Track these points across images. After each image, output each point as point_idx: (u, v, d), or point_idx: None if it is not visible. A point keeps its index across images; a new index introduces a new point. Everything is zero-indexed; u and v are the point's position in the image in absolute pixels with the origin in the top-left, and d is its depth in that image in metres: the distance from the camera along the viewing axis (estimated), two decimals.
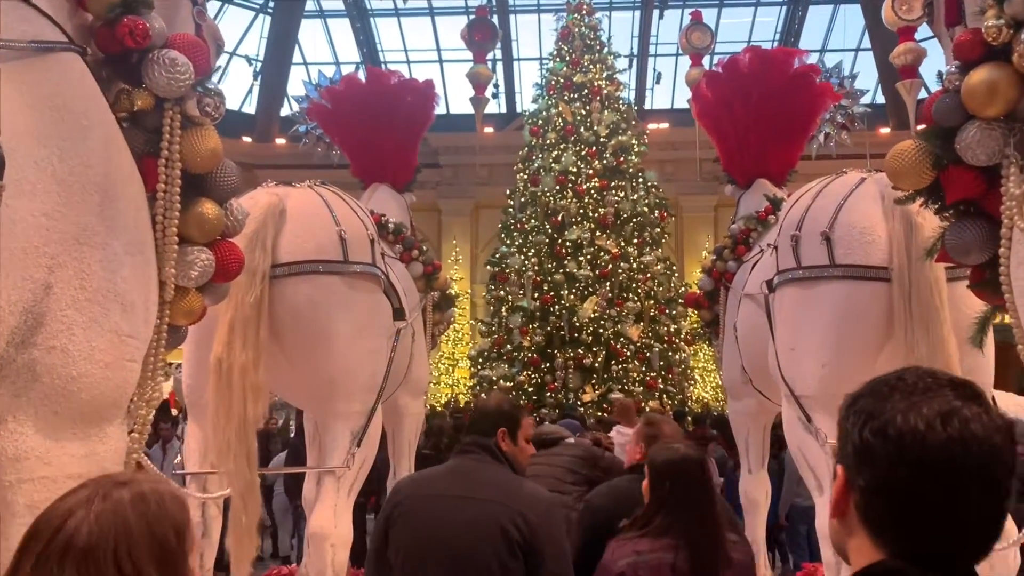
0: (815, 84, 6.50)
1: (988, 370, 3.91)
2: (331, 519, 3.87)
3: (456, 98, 22.18)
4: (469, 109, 15.74)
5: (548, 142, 16.16)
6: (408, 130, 6.77)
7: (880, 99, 21.73)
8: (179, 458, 4.24)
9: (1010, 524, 3.63)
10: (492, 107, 21.17)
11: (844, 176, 4.16)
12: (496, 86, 22.21)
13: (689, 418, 13.41)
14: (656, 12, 21.94)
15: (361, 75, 7.07)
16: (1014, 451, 1.11)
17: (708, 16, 16.38)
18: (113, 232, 2.04)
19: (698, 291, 6.54)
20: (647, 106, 22.74)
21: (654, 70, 22.69)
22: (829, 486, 3.76)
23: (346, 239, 4.11)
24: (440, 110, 23.83)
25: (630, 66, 21.35)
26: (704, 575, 2.74)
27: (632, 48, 22.59)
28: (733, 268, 5.99)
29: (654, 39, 22.83)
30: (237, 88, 23.44)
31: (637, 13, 22.52)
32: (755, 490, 5.83)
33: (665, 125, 20.82)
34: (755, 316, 4.97)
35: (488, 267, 16.36)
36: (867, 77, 20.86)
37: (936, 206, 2.45)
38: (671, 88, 22.85)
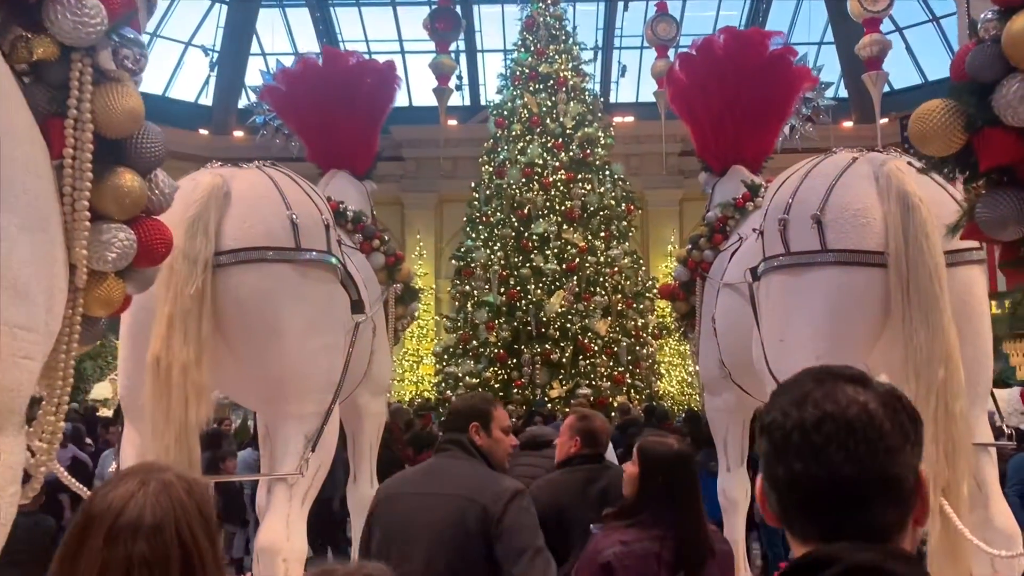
0: (792, 67, 6.26)
1: (988, 360, 3.69)
2: (282, 531, 3.52)
3: (419, 90, 21.88)
4: (432, 101, 15.45)
5: (514, 134, 15.89)
6: (368, 114, 6.40)
7: (843, 92, 21.81)
8: (114, 465, 3.86)
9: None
10: (456, 99, 20.84)
11: (834, 156, 3.90)
12: (460, 78, 21.90)
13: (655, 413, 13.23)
14: (621, 4, 21.77)
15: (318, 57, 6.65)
16: (883, 419, 1.14)
17: (672, 9, 16.22)
18: (1, 204, 1.69)
19: (673, 282, 6.26)
20: (612, 99, 22.59)
21: (619, 63, 22.55)
22: None
23: (298, 224, 3.74)
24: (403, 102, 23.47)
25: (595, 58, 21.13)
26: (691, 565, 2.83)
27: (597, 41, 22.41)
28: (710, 257, 5.73)
29: (619, 32, 22.69)
30: (193, 79, 22.92)
31: (602, 5, 22.34)
32: (734, 489, 5.58)
33: (630, 119, 20.70)
34: (735, 307, 4.72)
35: (453, 261, 16.04)
36: (830, 71, 20.93)
37: (966, 175, 2.18)
38: (636, 81, 22.74)
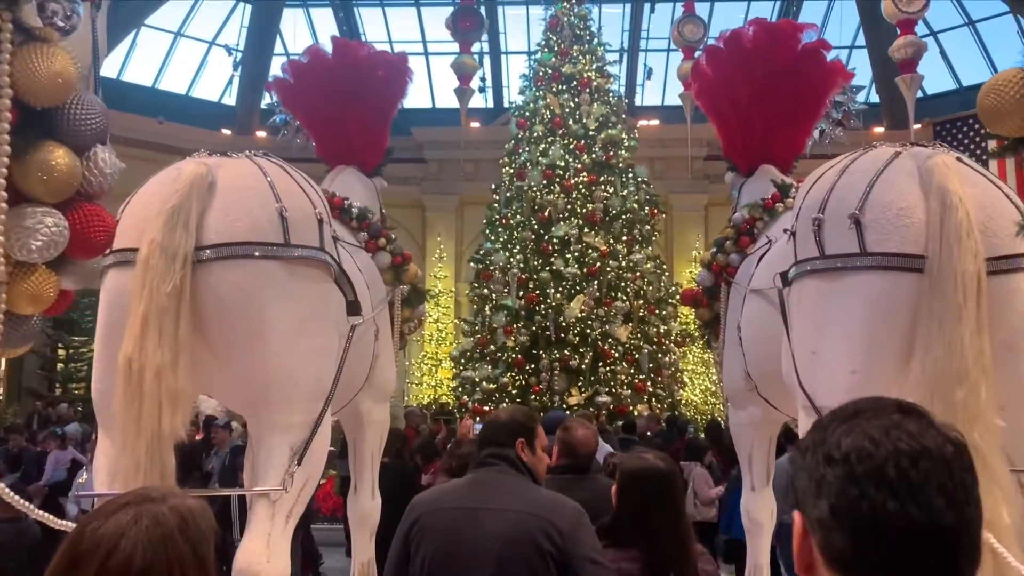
0: (825, 62, 5.90)
1: None
2: (262, 552, 3.22)
3: (442, 91, 21.75)
4: (455, 103, 15.21)
5: (535, 135, 15.59)
6: (378, 107, 6.12)
7: (874, 98, 21.33)
8: (84, 476, 3.58)
9: None
10: (479, 101, 20.67)
11: (874, 150, 3.54)
12: (483, 80, 21.72)
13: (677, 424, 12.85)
14: (647, 5, 21.43)
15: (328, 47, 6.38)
16: (969, 464, 1.05)
17: (700, 10, 15.85)
18: None
19: (696, 287, 5.91)
20: (638, 102, 22.26)
21: (645, 66, 22.20)
22: None
23: (287, 218, 3.43)
24: (425, 103, 23.21)
25: (620, 60, 20.82)
26: None
27: (623, 43, 22.09)
28: (736, 261, 5.38)
29: (645, 34, 22.35)
30: (217, 79, 22.91)
31: (628, 7, 22.01)
32: (759, 510, 5.22)
33: (655, 122, 20.38)
34: (763, 314, 4.38)
35: (471, 264, 15.76)
36: (861, 75, 20.43)
37: None
38: (662, 84, 22.41)
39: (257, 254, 3.35)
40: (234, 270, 3.32)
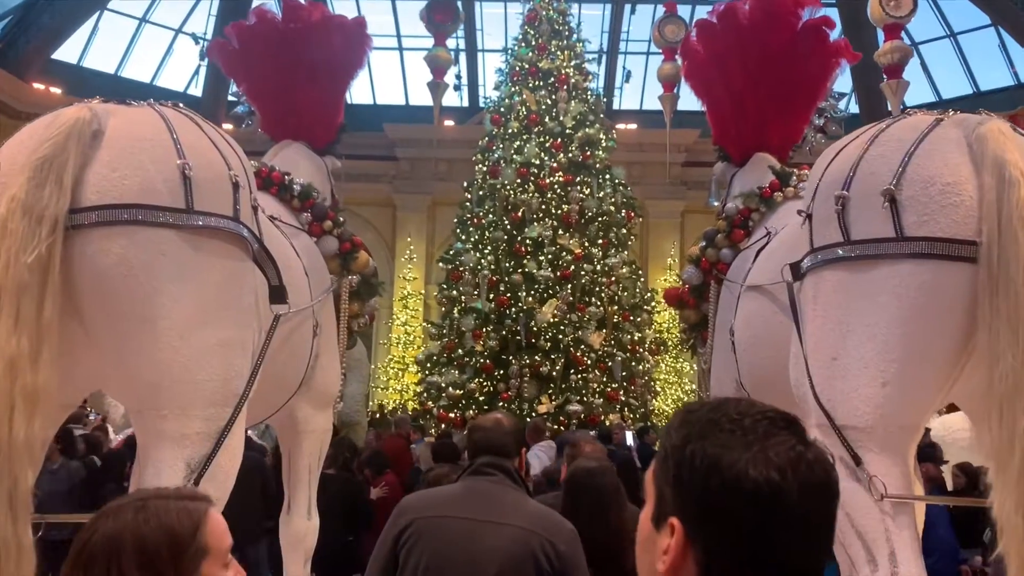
0: (828, 41, 5.35)
1: None
2: None
3: (416, 88, 21.15)
4: (429, 100, 14.57)
5: (510, 132, 15.00)
6: (332, 77, 5.46)
7: (854, 108, 21.05)
8: None
9: None
10: (454, 100, 20.12)
11: (908, 118, 2.97)
12: (458, 77, 21.20)
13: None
14: (628, 7, 20.99)
15: (277, 9, 5.71)
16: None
17: (682, 12, 15.37)
18: None
19: (681, 286, 5.32)
20: (616, 106, 21.84)
21: (623, 68, 21.78)
22: (887, 560, 2.57)
23: (192, 178, 2.73)
24: (399, 100, 22.62)
25: (599, 62, 20.35)
26: (596, 563, 2.85)
27: (602, 44, 21.63)
28: (728, 257, 4.79)
29: (624, 36, 21.93)
30: (183, 68, 22.19)
31: (608, 8, 21.56)
32: None
33: (633, 126, 19.96)
34: (762, 314, 3.80)
35: (440, 264, 15.11)
36: (842, 82, 20.10)
37: None
38: (640, 89, 22.01)
39: (147, 219, 2.66)
40: (118, 239, 2.63)
